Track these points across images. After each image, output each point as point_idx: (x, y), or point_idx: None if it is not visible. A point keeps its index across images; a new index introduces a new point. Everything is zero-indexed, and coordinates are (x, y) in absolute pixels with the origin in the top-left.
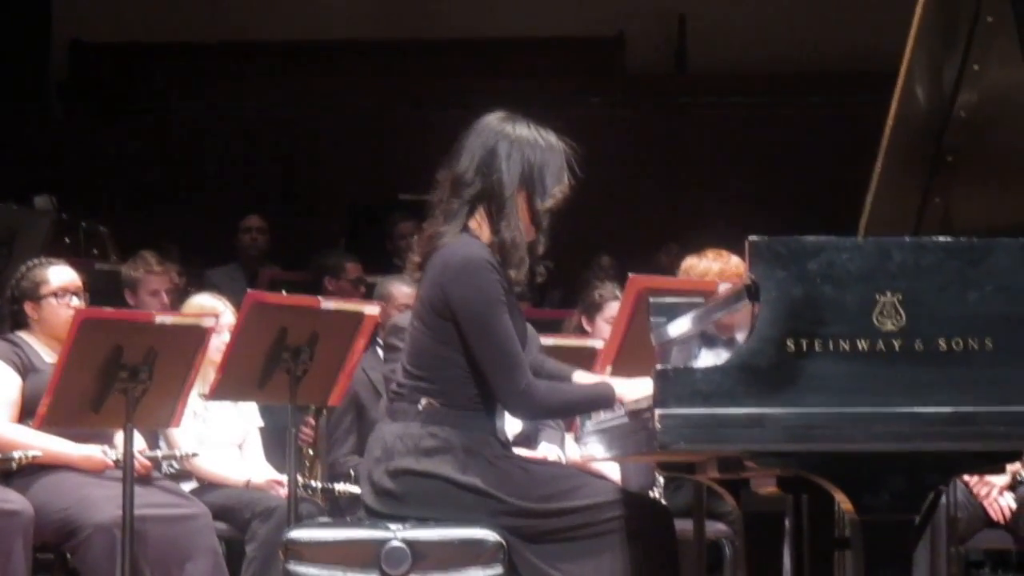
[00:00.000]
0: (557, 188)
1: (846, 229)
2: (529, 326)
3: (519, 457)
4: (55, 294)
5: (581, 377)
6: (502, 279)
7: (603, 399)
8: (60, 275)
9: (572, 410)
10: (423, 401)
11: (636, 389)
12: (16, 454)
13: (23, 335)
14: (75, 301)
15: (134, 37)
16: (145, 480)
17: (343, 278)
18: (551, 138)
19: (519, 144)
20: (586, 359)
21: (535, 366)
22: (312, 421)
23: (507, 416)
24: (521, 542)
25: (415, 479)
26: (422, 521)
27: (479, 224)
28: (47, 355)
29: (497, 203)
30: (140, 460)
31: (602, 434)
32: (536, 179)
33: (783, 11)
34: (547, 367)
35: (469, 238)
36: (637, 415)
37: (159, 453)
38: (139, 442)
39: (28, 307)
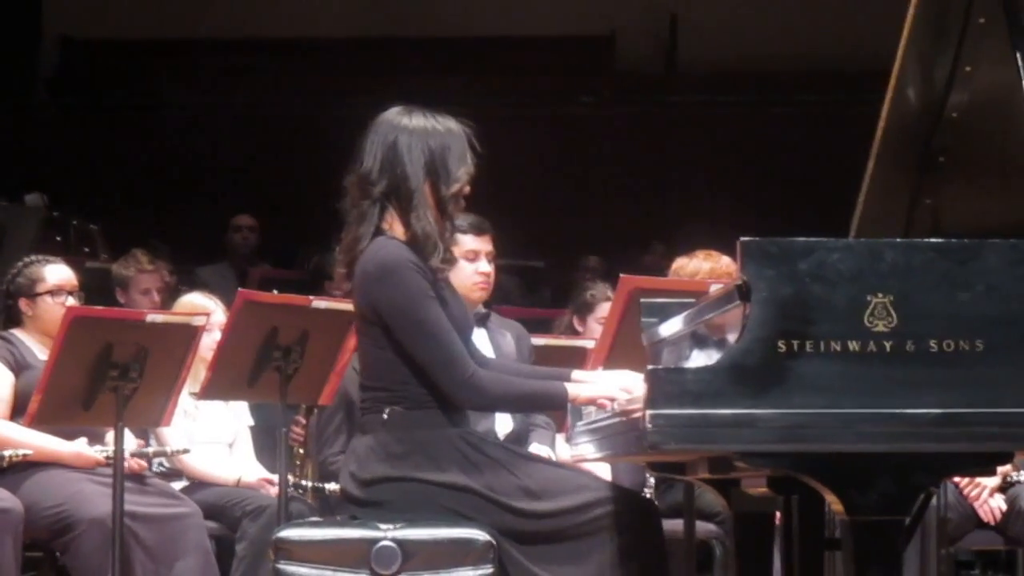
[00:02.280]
0: (462, 170)
1: (837, 229)
2: (520, 326)
3: (494, 441)
4: (51, 292)
5: (578, 375)
6: (424, 272)
7: (554, 398)
8: (56, 273)
9: (520, 402)
10: (387, 410)
11: (593, 387)
12: (7, 452)
13: (17, 332)
14: (70, 300)
15: (124, 34)
16: (136, 478)
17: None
18: (450, 123)
19: (418, 135)
20: (577, 359)
21: (511, 374)
22: (303, 420)
23: (497, 415)
24: (510, 543)
25: (393, 485)
26: (412, 521)
27: (391, 222)
28: (40, 352)
29: (405, 196)
30: (135, 460)
31: (593, 434)
32: (439, 165)
33: (774, 11)
34: (538, 371)
35: (384, 240)
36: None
37: (150, 450)
38: (131, 441)
39: (23, 304)
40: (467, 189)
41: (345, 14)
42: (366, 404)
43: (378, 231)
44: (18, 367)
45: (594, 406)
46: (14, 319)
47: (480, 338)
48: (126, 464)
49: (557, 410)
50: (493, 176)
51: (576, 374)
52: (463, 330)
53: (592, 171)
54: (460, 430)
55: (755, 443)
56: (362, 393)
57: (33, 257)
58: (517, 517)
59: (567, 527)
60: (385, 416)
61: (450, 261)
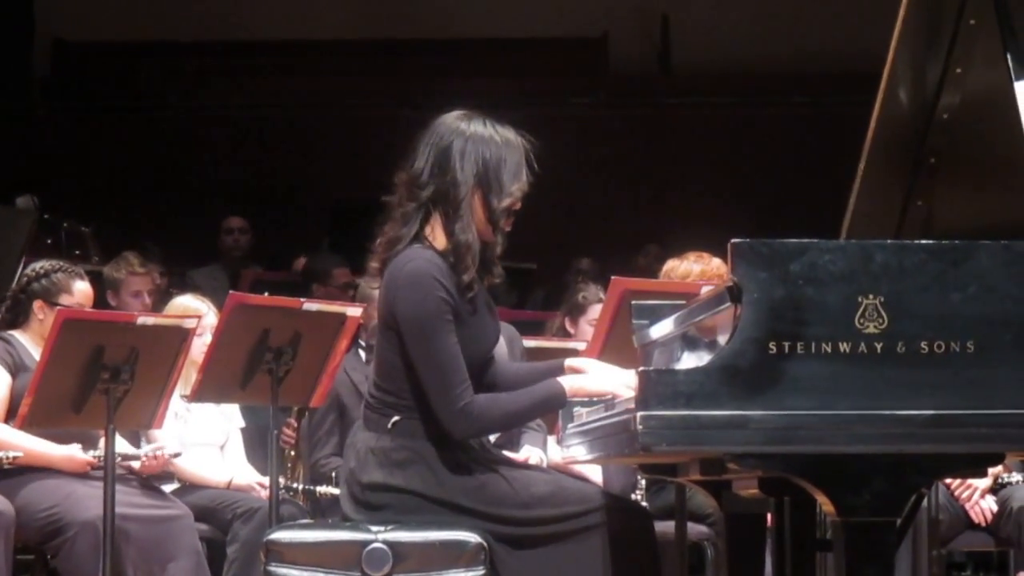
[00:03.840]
0: (515, 186)
1: (829, 231)
2: (512, 328)
3: (498, 459)
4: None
5: (573, 362)
6: (449, 293)
7: (553, 399)
8: (82, 292)
9: (519, 417)
10: (393, 417)
11: (591, 381)
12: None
13: (16, 334)
14: None
15: (117, 36)
16: (127, 480)
17: (331, 284)
18: (509, 134)
19: (474, 141)
20: None
21: (508, 376)
22: (294, 423)
23: None
24: (502, 547)
25: (390, 494)
26: (403, 523)
27: (434, 229)
28: (38, 355)
29: (452, 204)
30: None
31: (584, 436)
32: (492, 177)
33: (766, 12)
34: (533, 369)
35: (420, 249)
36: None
37: (141, 451)
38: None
39: (37, 306)
40: (518, 205)
41: (339, 16)
42: (374, 403)
43: (418, 237)
44: (16, 369)
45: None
46: (19, 319)
47: None
48: (139, 466)
49: (559, 410)
50: None
51: (569, 362)
52: (483, 351)
53: (584, 173)
54: (460, 442)
55: (747, 444)
56: (372, 390)
57: (60, 264)
58: (511, 525)
59: (560, 533)
60: (390, 424)
61: (498, 277)
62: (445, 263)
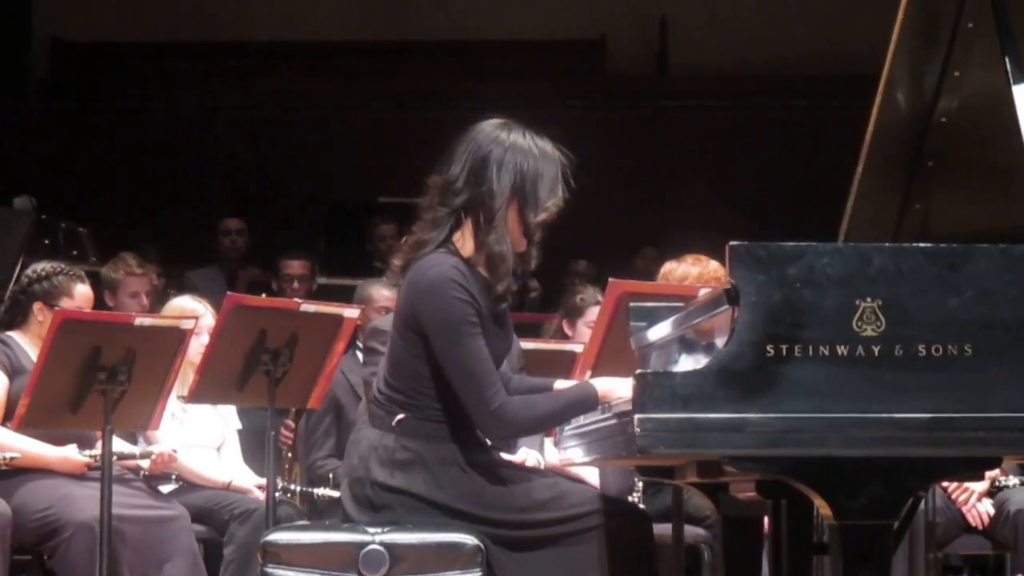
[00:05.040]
0: (551, 201)
1: (826, 234)
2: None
3: (496, 462)
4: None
5: (561, 385)
6: (473, 299)
7: (587, 400)
8: (83, 295)
9: (553, 419)
10: (399, 415)
11: (620, 386)
12: None
13: (14, 335)
14: None
15: (114, 36)
16: (124, 481)
17: (284, 277)
18: (547, 147)
19: (512, 152)
20: (566, 363)
21: (510, 384)
22: (291, 424)
23: None
24: (500, 550)
25: (389, 494)
26: (400, 524)
27: (463, 236)
28: (35, 357)
29: (486, 214)
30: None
31: (581, 438)
32: (528, 190)
33: (764, 15)
34: (525, 383)
35: (445, 255)
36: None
37: (137, 450)
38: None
39: (37, 308)
40: (552, 218)
41: (337, 17)
42: (382, 399)
43: (445, 242)
44: (13, 370)
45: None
46: (17, 320)
47: None
48: (144, 465)
49: (591, 411)
50: None
51: (557, 383)
52: (500, 360)
53: (582, 175)
54: (461, 446)
55: (744, 447)
56: (382, 386)
57: (63, 267)
58: (508, 529)
59: (557, 535)
60: (395, 423)
61: (534, 291)
62: (470, 270)
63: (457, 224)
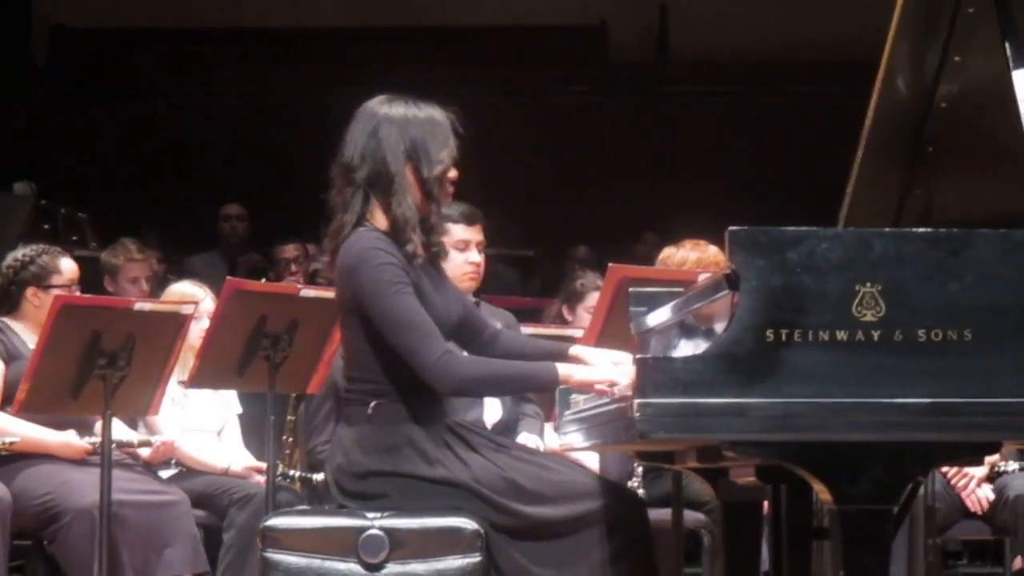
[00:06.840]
0: (444, 153)
1: (827, 219)
2: (509, 315)
3: (486, 441)
4: (64, 286)
5: (577, 350)
6: (399, 260)
7: (543, 378)
8: (70, 268)
9: (500, 385)
10: (372, 403)
11: (591, 371)
12: None
13: (8, 320)
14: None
15: (115, 22)
16: (124, 467)
17: (280, 263)
18: (432, 111)
19: (398, 122)
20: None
21: (515, 345)
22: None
23: (486, 404)
24: (499, 535)
25: (384, 479)
26: (400, 509)
27: (373, 211)
28: (31, 342)
29: (385, 182)
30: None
31: (581, 423)
32: (420, 150)
33: (764, 1)
34: (540, 346)
35: (363, 231)
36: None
37: (135, 439)
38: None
39: (30, 292)
40: (453, 172)
41: (337, 3)
42: (351, 395)
43: (360, 221)
44: (8, 356)
45: (589, 391)
46: (9, 306)
47: None
48: (144, 454)
49: (547, 391)
50: (484, 166)
51: (575, 349)
52: (444, 318)
53: (583, 161)
54: (446, 421)
55: (744, 432)
56: (347, 384)
57: (41, 247)
58: (506, 514)
59: (555, 523)
60: (370, 411)
61: (439, 249)
62: (390, 241)
63: (366, 202)
